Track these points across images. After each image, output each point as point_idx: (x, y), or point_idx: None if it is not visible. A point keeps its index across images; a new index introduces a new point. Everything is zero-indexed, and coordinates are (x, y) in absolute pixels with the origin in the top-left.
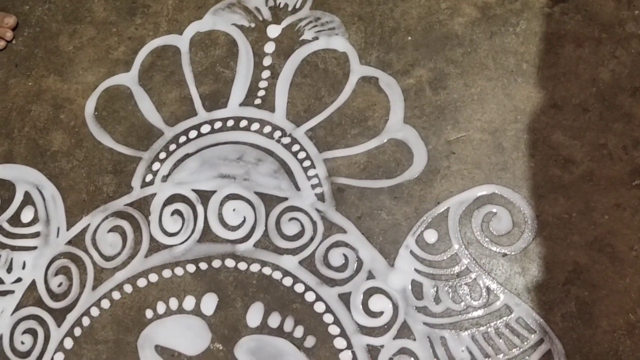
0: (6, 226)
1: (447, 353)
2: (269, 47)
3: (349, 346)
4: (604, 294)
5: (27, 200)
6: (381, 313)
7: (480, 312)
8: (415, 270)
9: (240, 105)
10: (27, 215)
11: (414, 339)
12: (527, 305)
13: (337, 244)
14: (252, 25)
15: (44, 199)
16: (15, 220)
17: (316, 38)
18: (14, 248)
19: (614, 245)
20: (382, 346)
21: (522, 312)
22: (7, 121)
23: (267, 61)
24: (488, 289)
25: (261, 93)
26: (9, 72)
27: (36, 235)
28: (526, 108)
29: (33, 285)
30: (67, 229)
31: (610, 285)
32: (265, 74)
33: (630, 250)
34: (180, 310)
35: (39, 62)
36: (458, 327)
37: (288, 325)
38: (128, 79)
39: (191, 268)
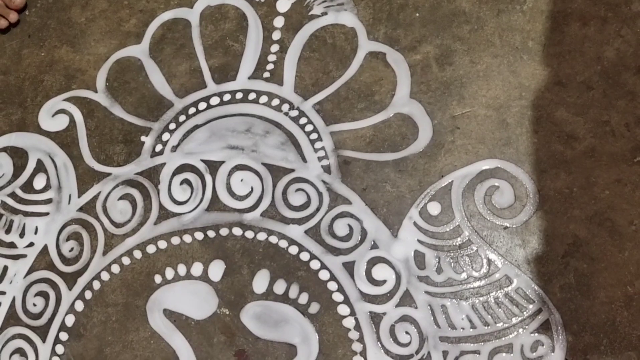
0: (19, 192)
1: (448, 321)
2: (278, 22)
3: (352, 313)
4: (603, 267)
5: (40, 167)
6: (384, 282)
7: (480, 282)
8: (418, 241)
9: (249, 78)
10: (39, 182)
11: (416, 307)
12: (527, 276)
13: (342, 215)
14: None
15: (55, 167)
16: (27, 187)
17: (325, 13)
18: (26, 214)
19: (614, 219)
20: (384, 313)
21: (522, 282)
22: (20, 90)
23: (276, 35)
24: (489, 260)
25: (270, 66)
26: (22, 42)
27: (48, 201)
28: (531, 85)
29: (45, 249)
30: (79, 196)
31: (609, 258)
32: (274, 47)
33: (630, 224)
34: (188, 276)
35: (52, 33)
36: (459, 296)
37: (293, 292)
38: (139, 51)
39: (199, 236)
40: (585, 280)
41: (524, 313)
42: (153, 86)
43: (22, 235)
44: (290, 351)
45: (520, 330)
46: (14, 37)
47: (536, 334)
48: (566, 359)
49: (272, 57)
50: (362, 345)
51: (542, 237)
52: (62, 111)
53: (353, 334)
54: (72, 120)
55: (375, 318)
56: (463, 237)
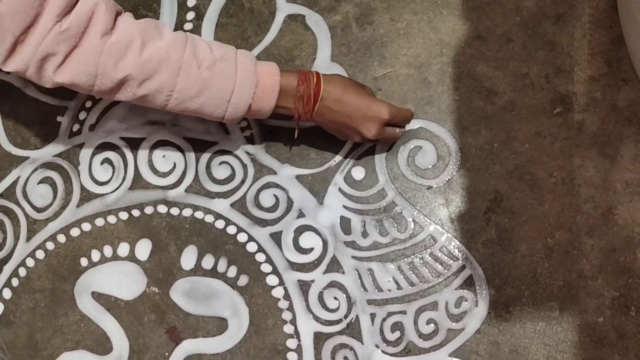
0: None
1: (375, 284)
2: None
3: (281, 282)
4: (523, 220)
5: None
6: (311, 249)
7: (405, 244)
8: (344, 206)
9: None
10: None
11: (343, 273)
12: (450, 234)
13: (267, 185)
14: None
15: None
16: None
17: None
18: None
19: (534, 172)
20: (312, 281)
21: (446, 241)
22: None
23: (191, 2)
24: (413, 221)
25: None
26: None
27: None
28: (451, 41)
29: None
30: None
31: (529, 211)
32: (190, 15)
33: (550, 177)
34: (115, 257)
35: None
36: (385, 259)
37: (221, 266)
38: None
39: (124, 215)
40: (507, 234)
41: (448, 271)
42: None
43: None
44: (221, 325)
45: (445, 287)
46: None
47: (460, 290)
48: (489, 312)
49: (188, 25)
50: (292, 314)
51: (464, 195)
52: None
53: (282, 303)
54: None
55: (304, 286)
56: (387, 200)
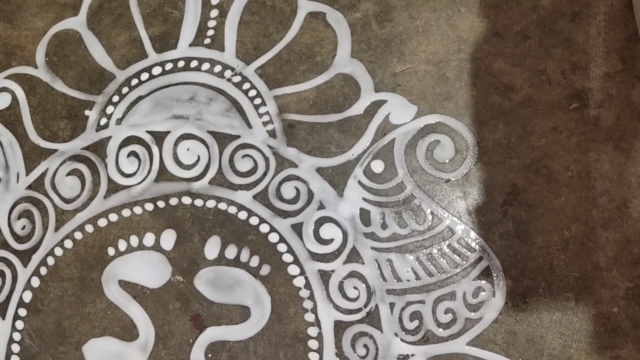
0: None
1: (394, 274)
2: None
3: (302, 272)
4: (540, 213)
5: None
6: (331, 240)
7: (424, 235)
8: (363, 199)
9: (190, 45)
10: None
11: (363, 263)
12: (468, 226)
13: (289, 178)
14: None
15: (1, 146)
16: None
17: None
18: None
19: (550, 166)
20: (332, 271)
21: (463, 233)
22: None
23: (215, 0)
24: (432, 213)
25: (210, 32)
26: None
27: None
28: (469, 38)
29: None
30: (27, 174)
31: (546, 204)
32: (214, 12)
33: (566, 170)
34: (141, 247)
35: None
36: (403, 250)
37: (244, 255)
38: (77, 23)
39: (149, 207)
40: (524, 227)
41: (466, 262)
42: (93, 58)
43: None
44: (244, 313)
45: (462, 278)
46: None
47: (477, 281)
48: (506, 303)
49: (212, 23)
50: (312, 303)
51: (481, 188)
52: (3, 89)
53: (304, 293)
54: (14, 98)
55: (325, 276)
56: (406, 193)
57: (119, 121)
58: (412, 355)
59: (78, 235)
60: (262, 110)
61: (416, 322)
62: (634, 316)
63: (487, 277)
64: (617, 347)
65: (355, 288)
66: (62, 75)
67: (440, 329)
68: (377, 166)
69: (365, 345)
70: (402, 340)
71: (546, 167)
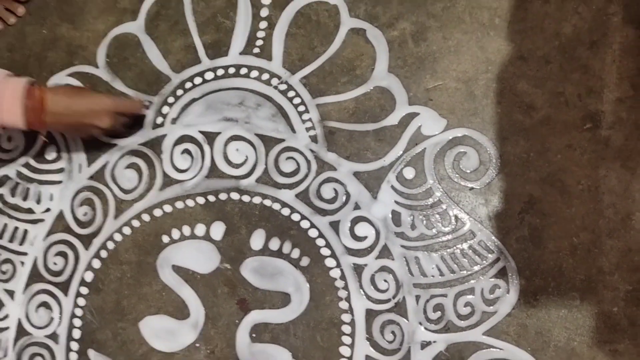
0: (33, 163)
1: (420, 270)
2: None
3: (338, 265)
4: (553, 221)
5: (50, 140)
6: (365, 237)
7: (448, 237)
8: (395, 202)
9: (241, 53)
10: (50, 153)
11: (393, 259)
12: (488, 230)
13: (328, 180)
14: None
15: (65, 139)
16: (40, 157)
17: None
18: (40, 182)
19: (564, 180)
20: (365, 265)
21: (484, 236)
22: (25, 67)
23: (264, 12)
24: (456, 217)
25: (259, 42)
26: (24, 20)
27: (60, 170)
28: (496, 59)
29: (61, 214)
30: (88, 165)
31: (558, 213)
32: (263, 24)
33: (578, 184)
34: (193, 236)
35: (52, 12)
36: (430, 249)
37: (286, 248)
38: (135, 27)
39: (201, 200)
40: (538, 233)
41: (484, 262)
42: (151, 62)
43: (38, 201)
44: (285, 299)
45: (481, 276)
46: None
47: (494, 279)
48: (519, 299)
49: (261, 34)
50: (347, 292)
51: (502, 197)
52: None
53: (339, 283)
54: None
55: (358, 269)
56: (434, 198)
57: (174, 121)
58: (434, 342)
59: (136, 223)
60: (305, 117)
61: (439, 313)
62: (631, 315)
63: (503, 276)
64: (615, 342)
65: (385, 281)
66: (121, 75)
67: (460, 320)
68: (409, 173)
69: (392, 332)
70: (425, 328)
71: (560, 181)
